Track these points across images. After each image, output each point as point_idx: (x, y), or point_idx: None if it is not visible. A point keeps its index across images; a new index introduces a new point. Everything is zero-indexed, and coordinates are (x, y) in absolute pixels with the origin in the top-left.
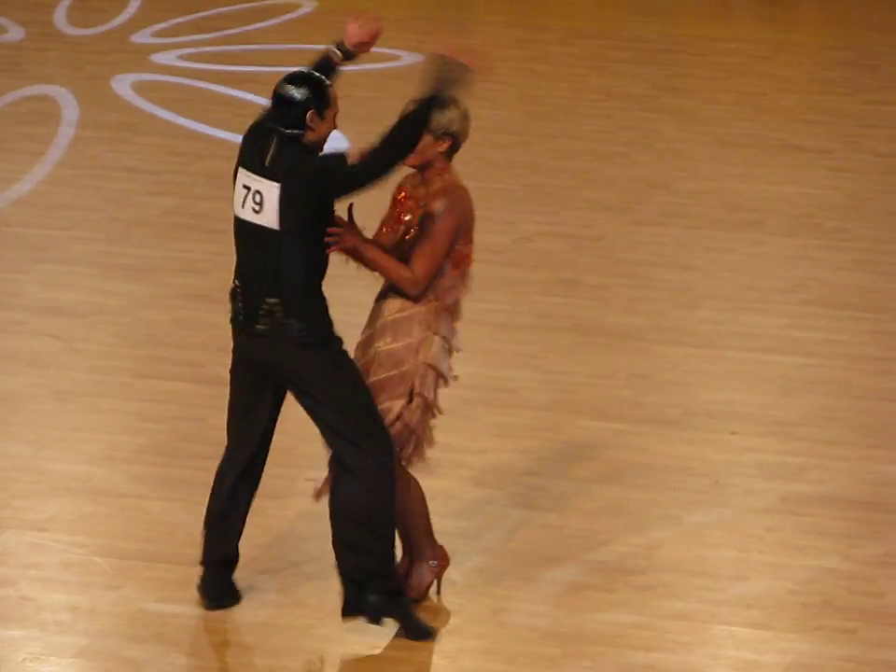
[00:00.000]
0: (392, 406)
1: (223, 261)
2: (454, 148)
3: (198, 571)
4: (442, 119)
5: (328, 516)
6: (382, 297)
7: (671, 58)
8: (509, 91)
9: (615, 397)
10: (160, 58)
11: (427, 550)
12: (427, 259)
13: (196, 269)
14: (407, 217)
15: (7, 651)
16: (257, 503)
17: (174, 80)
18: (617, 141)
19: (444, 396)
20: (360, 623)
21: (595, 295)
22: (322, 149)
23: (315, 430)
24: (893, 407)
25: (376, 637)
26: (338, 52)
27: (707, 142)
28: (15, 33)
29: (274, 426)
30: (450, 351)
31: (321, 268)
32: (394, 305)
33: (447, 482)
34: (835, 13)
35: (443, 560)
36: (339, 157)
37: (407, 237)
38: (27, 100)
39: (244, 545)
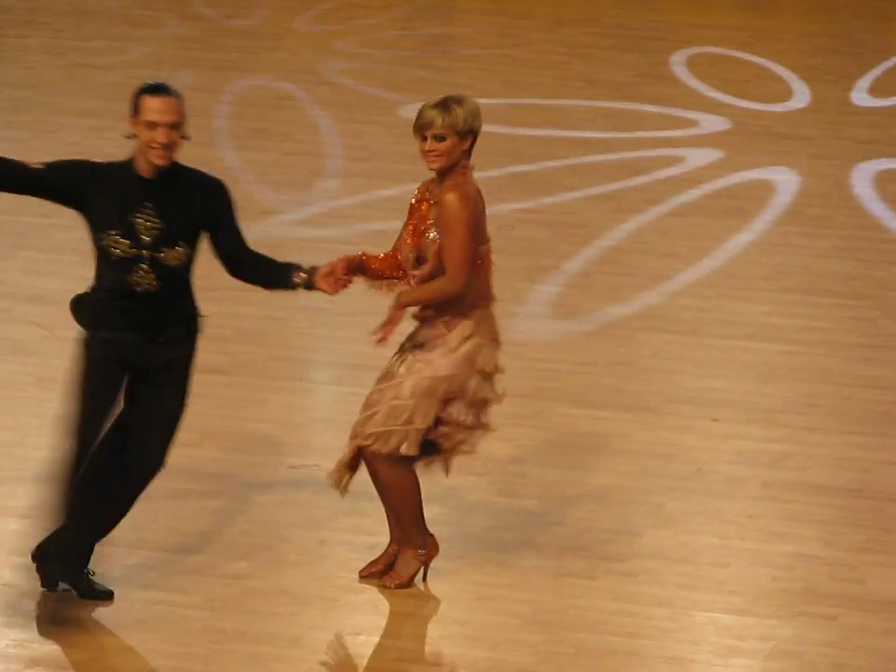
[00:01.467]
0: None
1: (204, 249)
2: (474, 144)
3: (182, 558)
4: (466, 115)
5: (306, 505)
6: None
7: (655, 45)
8: (492, 78)
9: (597, 384)
10: None
11: (416, 538)
12: (456, 252)
13: None
14: (430, 221)
15: None
16: (238, 490)
17: None
18: (600, 128)
19: None
20: (343, 611)
21: (577, 282)
22: (151, 158)
23: (297, 418)
24: (874, 394)
25: (358, 623)
26: (303, 276)
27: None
28: None
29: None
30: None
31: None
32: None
33: (430, 472)
34: (817, 0)
35: (432, 549)
36: None
37: (428, 237)
38: (8, 87)
39: (225, 532)
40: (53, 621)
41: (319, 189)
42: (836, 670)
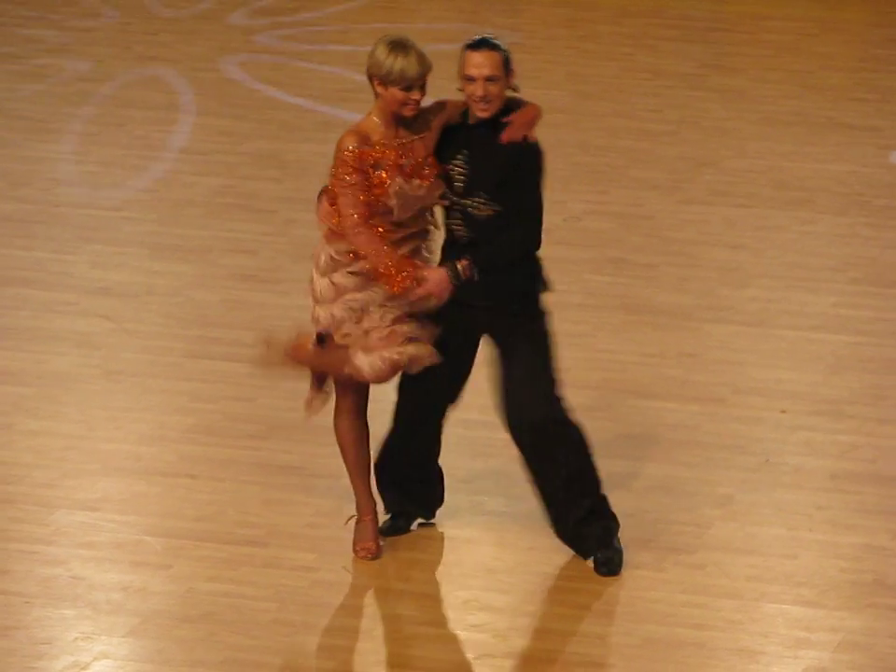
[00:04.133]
0: None
1: (272, 241)
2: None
3: (250, 551)
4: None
5: (375, 495)
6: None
7: (719, 36)
8: (557, 70)
9: (664, 375)
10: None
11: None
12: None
13: (245, 249)
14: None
15: (58, 631)
16: (305, 481)
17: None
18: (665, 120)
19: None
20: (411, 602)
21: (644, 274)
22: (473, 111)
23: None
24: None
25: (430, 614)
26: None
27: (755, 120)
28: (60, 12)
29: None
30: None
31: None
32: None
33: (499, 461)
34: None
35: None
36: None
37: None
38: (76, 80)
39: (293, 525)
40: (123, 612)
41: None
42: None
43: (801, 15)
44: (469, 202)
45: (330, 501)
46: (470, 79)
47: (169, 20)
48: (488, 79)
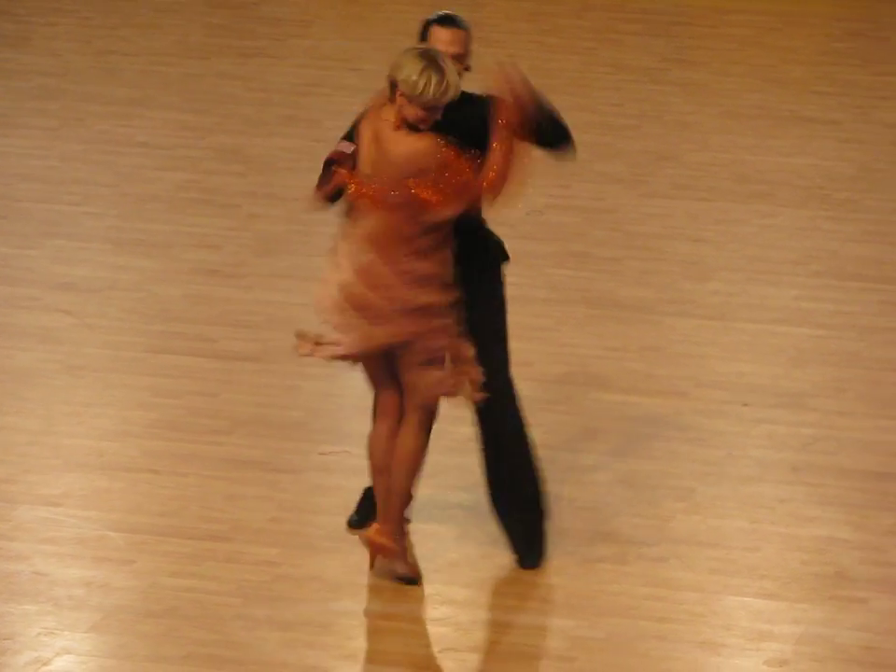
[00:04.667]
0: None
1: (235, 236)
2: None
3: (213, 546)
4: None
5: (337, 492)
6: None
7: (681, 30)
8: (519, 64)
9: (627, 369)
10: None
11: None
12: None
13: (208, 244)
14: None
15: (20, 626)
16: (268, 476)
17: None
18: (627, 114)
19: None
20: (374, 597)
21: (607, 268)
22: None
23: (327, 405)
24: None
25: (390, 609)
26: None
27: (717, 114)
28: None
29: None
30: None
31: None
32: None
33: (460, 455)
34: None
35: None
36: None
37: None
38: (37, 74)
39: (256, 520)
40: (85, 608)
41: None
42: (867, 654)
43: (763, 9)
44: None
45: (294, 496)
46: None
47: (129, 14)
48: (455, 58)
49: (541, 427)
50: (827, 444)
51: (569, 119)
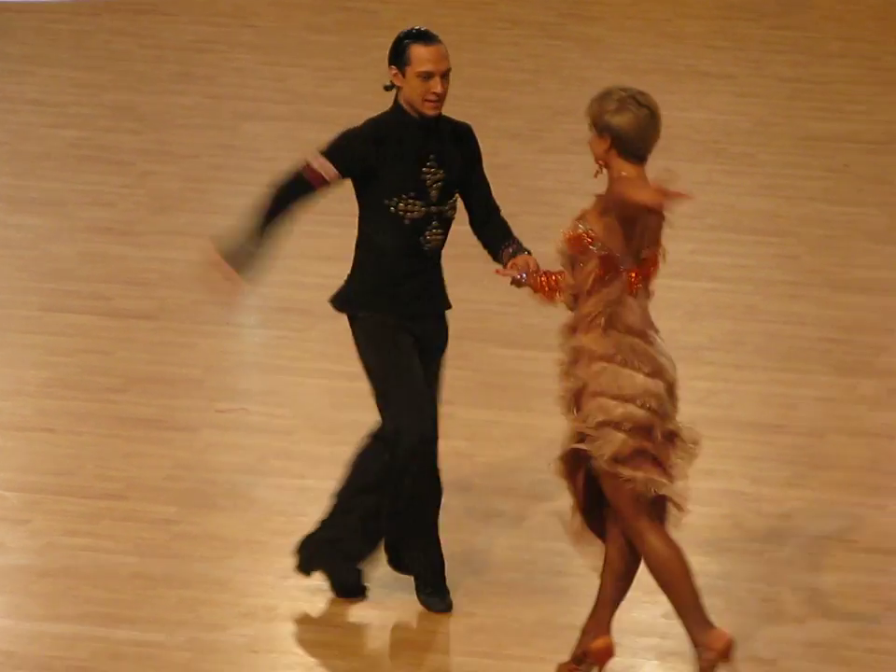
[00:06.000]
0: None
1: (129, 194)
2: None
3: (109, 504)
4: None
5: (234, 449)
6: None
7: None
8: (416, 20)
9: (525, 324)
10: None
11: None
12: None
13: (102, 201)
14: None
15: None
16: (164, 434)
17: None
18: (524, 69)
19: (350, 344)
20: (272, 554)
21: None
22: (423, 110)
23: (224, 362)
24: (800, 330)
25: (287, 567)
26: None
27: (613, 69)
28: None
29: None
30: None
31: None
32: None
33: (358, 414)
34: None
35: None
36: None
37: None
38: None
39: (153, 478)
40: None
41: (243, 132)
42: (764, 605)
43: None
44: (445, 206)
45: (189, 454)
46: (428, 76)
47: None
48: (444, 75)
49: None
50: (723, 398)
51: (466, 74)
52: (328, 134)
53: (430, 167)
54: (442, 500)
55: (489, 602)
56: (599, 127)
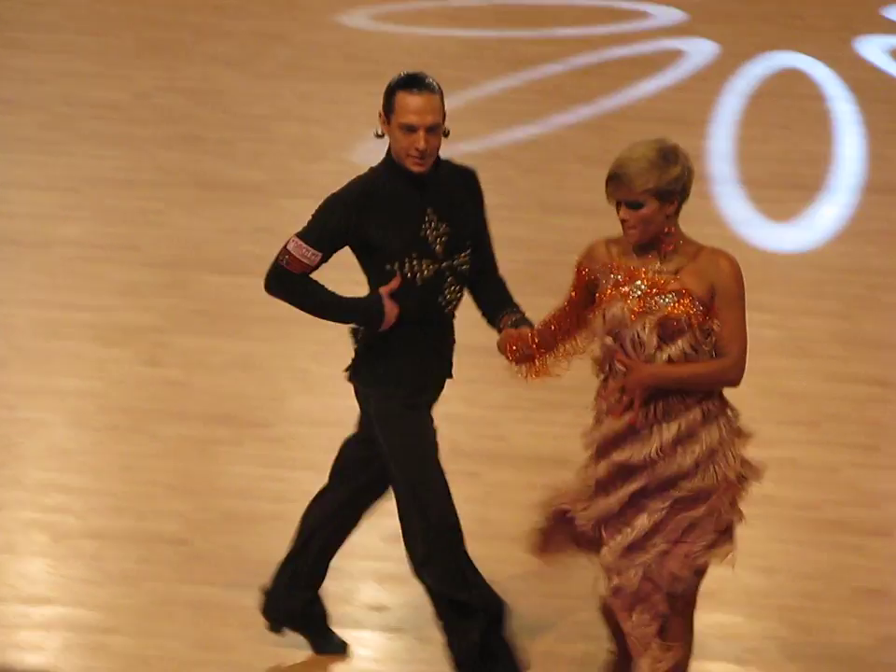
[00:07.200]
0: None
1: None
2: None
3: None
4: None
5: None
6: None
7: None
8: None
9: (239, 251)
10: None
11: None
12: (742, 333)
13: None
14: (662, 300)
15: None
16: None
17: None
18: None
19: (62, 274)
20: None
21: (218, 150)
22: (407, 165)
23: None
24: (517, 254)
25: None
26: (509, 322)
27: None
28: None
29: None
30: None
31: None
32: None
33: (72, 342)
34: None
35: None
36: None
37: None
38: None
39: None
40: None
41: None
42: (480, 525)
43: None
44: (457, 260)
45: None
46: (410, 129)
47: None
48: (430, 129)
49: (153, 310)
50: None
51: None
52: None
53: (430, 222)
54: (149, 427)
55: (205, 530)
56: (669, 191)
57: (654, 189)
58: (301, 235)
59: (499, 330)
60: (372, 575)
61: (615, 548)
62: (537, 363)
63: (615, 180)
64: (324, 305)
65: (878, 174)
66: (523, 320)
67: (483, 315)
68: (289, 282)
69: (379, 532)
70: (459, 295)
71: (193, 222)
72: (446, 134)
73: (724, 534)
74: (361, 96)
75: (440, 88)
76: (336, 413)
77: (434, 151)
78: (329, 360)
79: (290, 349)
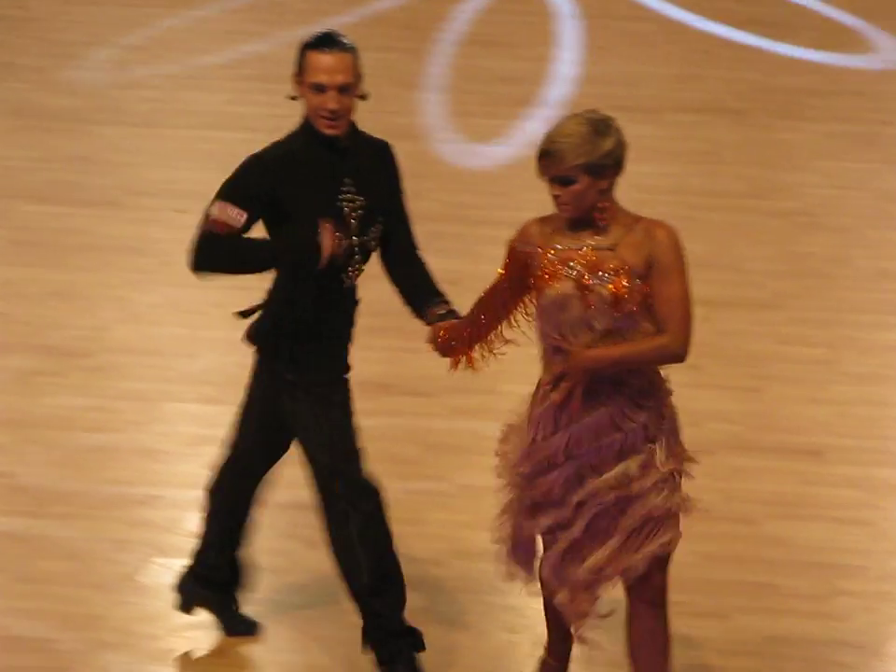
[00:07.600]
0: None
1: None
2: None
3: None
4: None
5: None
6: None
7: None
8: None
9: (55, 180)
10: None
11: None
12: (682, 305)
13: None
14: (592, 279)
15: None
16: None
17: None
18: None
19: None
20: None
21: (32, 77)
22: (319, 128)
23: None
24: None
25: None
26: (438, 314)
27: None
28: None
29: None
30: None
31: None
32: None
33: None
34: None
35: None
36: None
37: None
38: None
39: None
40: None
41: None
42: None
43: None
44: (367, 237)
45: None
46: (319, 88)
47: None
48: (342, 89)
49: None
50: None
51: None
52: None
53: (347, 193)
54: None
55: (29, 462)
56: (602, 165)
57: (585, 164)
58: (220, 197)
59: (427, 323)
60: (198, 503)
61: (551, 559)
62: (467, 355)
63: (546, 157)
64: (256, 253)
65: (693, 94)
66: (450, 314)
67: (406, 302)
68: (218, 245)
69: (203, 460)
70: (360, 272)
71: (7, 151)
72: (363, 97)
73: (668, 521)
74: (176, 21)
75: (354, 47)
76: (159, 341)
77: (347, 112)
78: (150, 288)
79: (110, 278)
